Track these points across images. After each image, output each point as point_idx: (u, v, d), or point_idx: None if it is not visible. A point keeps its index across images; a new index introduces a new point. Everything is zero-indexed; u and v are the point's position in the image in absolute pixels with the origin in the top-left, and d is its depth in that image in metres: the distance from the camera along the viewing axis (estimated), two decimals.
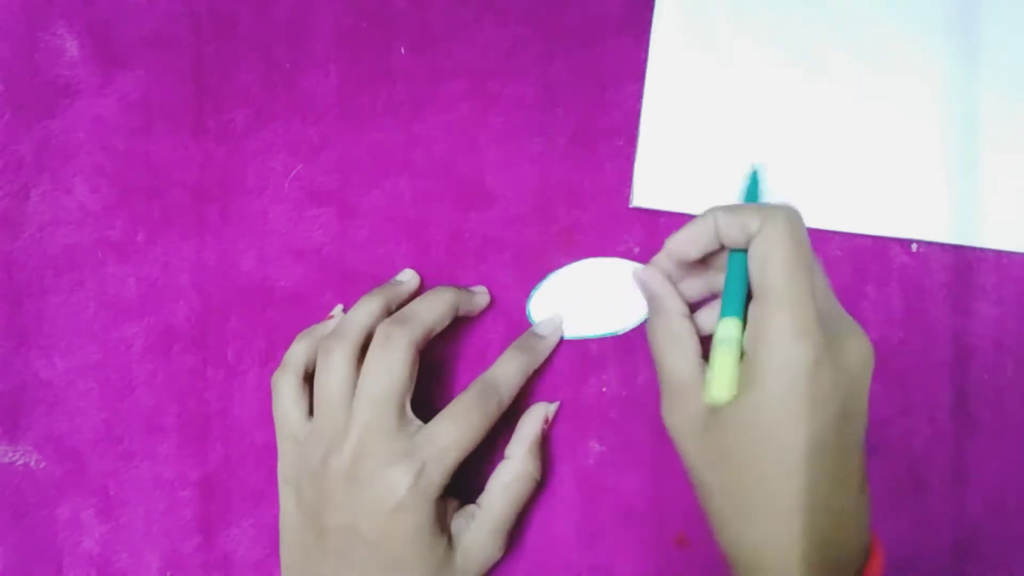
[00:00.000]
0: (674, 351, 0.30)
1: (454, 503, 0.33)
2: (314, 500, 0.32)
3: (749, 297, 0.29)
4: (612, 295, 0.37)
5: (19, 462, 0.37)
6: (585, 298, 0.37)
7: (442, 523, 0.32)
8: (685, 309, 0.31)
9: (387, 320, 0.33)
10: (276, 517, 0.37)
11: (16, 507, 0.37)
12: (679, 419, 0.30)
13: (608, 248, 0.37)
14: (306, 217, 0.38)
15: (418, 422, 0.32)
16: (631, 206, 0.38)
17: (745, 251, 0.29)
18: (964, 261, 0.38)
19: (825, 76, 0.38)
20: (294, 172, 0.38)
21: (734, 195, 0.37)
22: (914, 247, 0.38)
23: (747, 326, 0.28)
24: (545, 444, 0.36)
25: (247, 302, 0.38)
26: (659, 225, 0.38)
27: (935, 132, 0.38)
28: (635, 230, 0.38)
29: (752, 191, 0.32)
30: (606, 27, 0.38)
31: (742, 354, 0.28)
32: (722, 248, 0.30)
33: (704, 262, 0.32)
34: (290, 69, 0.38)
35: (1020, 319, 0.38)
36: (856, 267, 0.38)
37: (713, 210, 0.30)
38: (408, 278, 0.36)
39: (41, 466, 0.37)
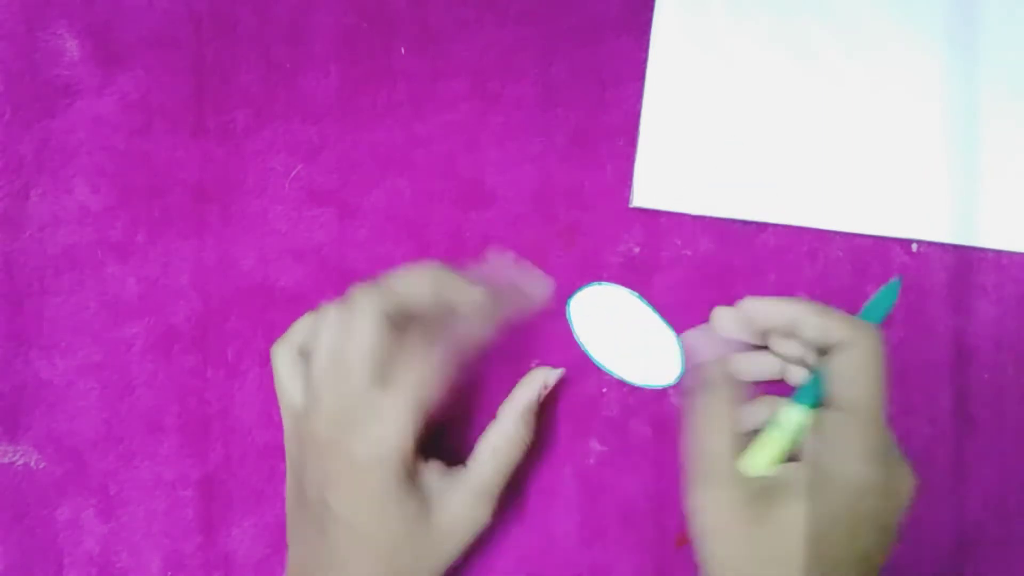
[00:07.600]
0: (718, 434, 0.31)
1: (436, 465, 0.32)
2: (299, 470, 0.32)
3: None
4: (647, 351, 0.37)
5: (19, 462, 0.37)
6: (620, 334, 0.36)
7: (411, 485, 0.31)
8: (739, 394, 0.32)
9: (357, 285, 0.32)
10: (276, 517, 0.37)
11: (16, 507, 0.37)
12: (714, 502, 0.30)
13: (608, 248, 0.37)
14: (306, 217, 0.38)
15: (391, 390, 0.30)
16: (631, 206, 0.38)
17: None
18: (964, 261, 0.38)
19: (825, 76, 0.38)
20: (294, 172, 0.38)
21: (731, 196, 0.37)
22: (914, 247, 0.38)
23: (816, 428, 0.30)
24: (546, 410, 0.36)
25: (247, 302, 0.38)
26: (659, 225, 0.38)
27: (935, 132, 0.38)
28: (635, 230, 0.38)
29: (884, 301, 0.34)
30: (606, 27, 0.38)
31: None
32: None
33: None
34: (290, 69, 0.38)
35: (1020, 319, 0.38)
36: (856, 267, 0.38)
37: (804, 302, 0.31)
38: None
39: (41, 466, 0.37)
